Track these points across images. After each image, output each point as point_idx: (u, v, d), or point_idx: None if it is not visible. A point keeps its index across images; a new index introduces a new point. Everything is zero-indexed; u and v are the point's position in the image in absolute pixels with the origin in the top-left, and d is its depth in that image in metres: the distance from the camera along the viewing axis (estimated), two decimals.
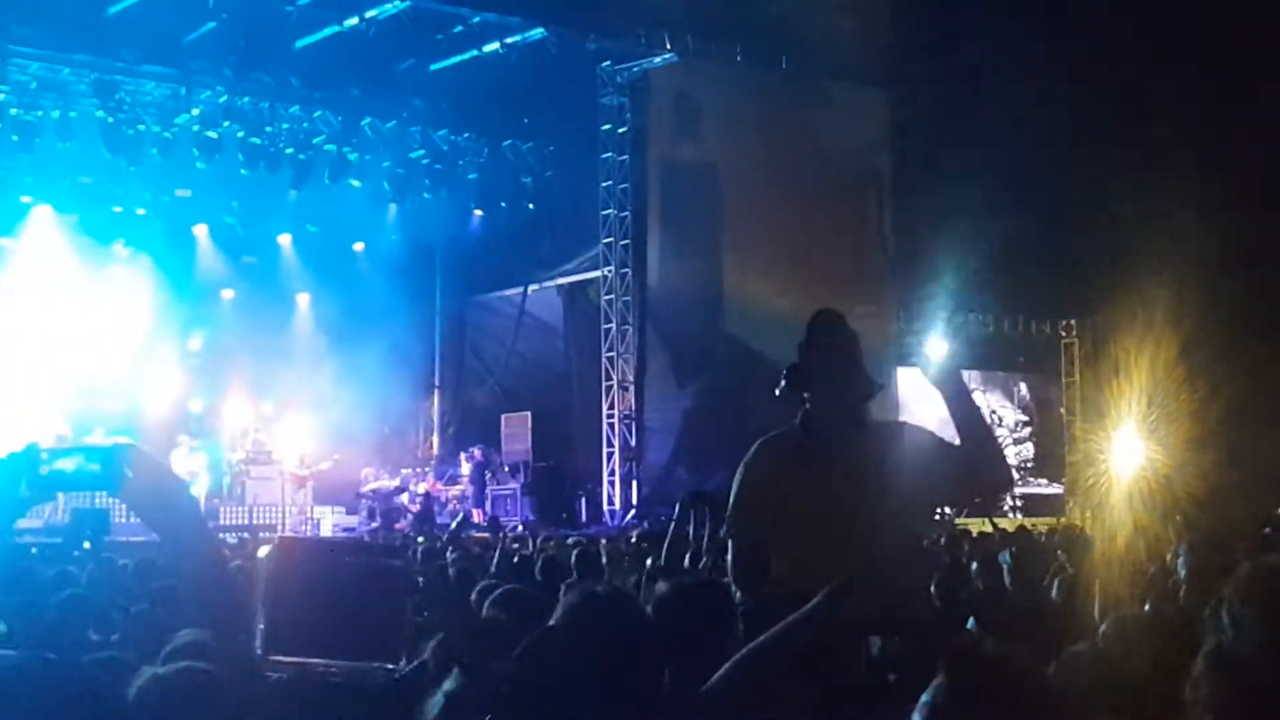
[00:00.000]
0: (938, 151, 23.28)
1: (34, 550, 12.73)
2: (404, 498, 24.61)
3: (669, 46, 22.70)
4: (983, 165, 22.80)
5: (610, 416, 24.23)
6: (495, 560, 10.28)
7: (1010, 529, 15.08)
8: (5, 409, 22.94)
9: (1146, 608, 5.05)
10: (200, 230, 25.90)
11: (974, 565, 9.00)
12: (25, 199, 23.90)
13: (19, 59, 21.13)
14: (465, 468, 25.13)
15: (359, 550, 2.56)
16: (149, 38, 21.49)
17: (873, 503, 4.70)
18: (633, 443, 24.07)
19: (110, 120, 21.82)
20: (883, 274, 24.55)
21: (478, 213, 25.65)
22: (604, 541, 13.82)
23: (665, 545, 8.92)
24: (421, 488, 24.77)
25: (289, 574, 2.50)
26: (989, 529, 14.09)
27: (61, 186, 23.89)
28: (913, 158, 23.65)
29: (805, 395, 4.94)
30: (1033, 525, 17.48)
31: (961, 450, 4.72)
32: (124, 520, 12.02)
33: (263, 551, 2.55)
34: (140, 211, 25.00)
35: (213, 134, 22.69)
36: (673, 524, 9.40)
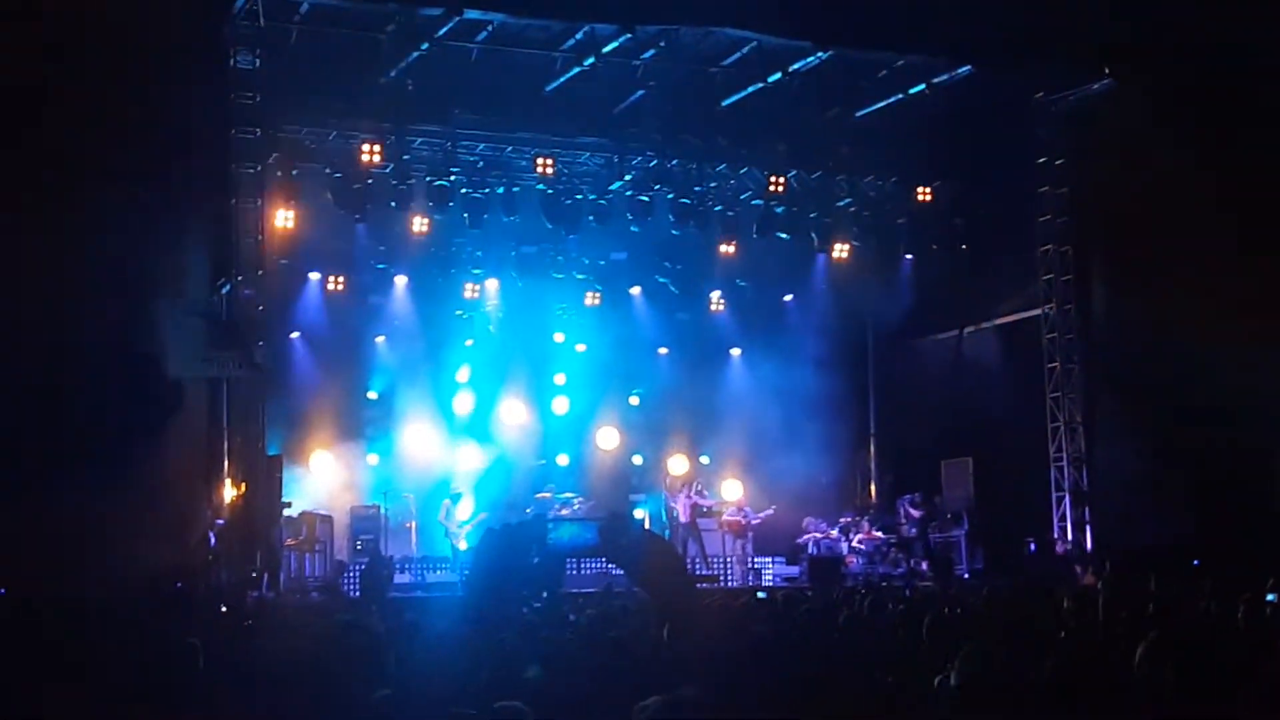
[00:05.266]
0: None
1: None
2: (844, 548, 24.37)
3: (1107, 73, 21.65)
4: None
5: (1058, 460, 23.22)
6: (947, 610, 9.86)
7: None
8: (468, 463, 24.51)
9: None
10: (635, 291, 26.77)
11: None
12: (475, 271, 25.46)
13: (467, 141, 22.48)
14: (906, 516, 24.64)
15: None
16: (583, 111, 22.43)
17: None
18: (1084, 487, 22.94)
19: (550, 192, 22.85)
20: None
21: (908, 256, 25.23)
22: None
23: (1100, 604, 8.43)
24: (860, 537, 24.46)
25: None
26: None
27: (508, 258, 25.29)
28: None
29: None
30: None
31: None
32: None
33: None
34: (580, 277, 26.12)
35: (644, 198, 23.37)
36: (1101, 582, 8.86)
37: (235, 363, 18.53)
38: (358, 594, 19.63)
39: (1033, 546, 23.04)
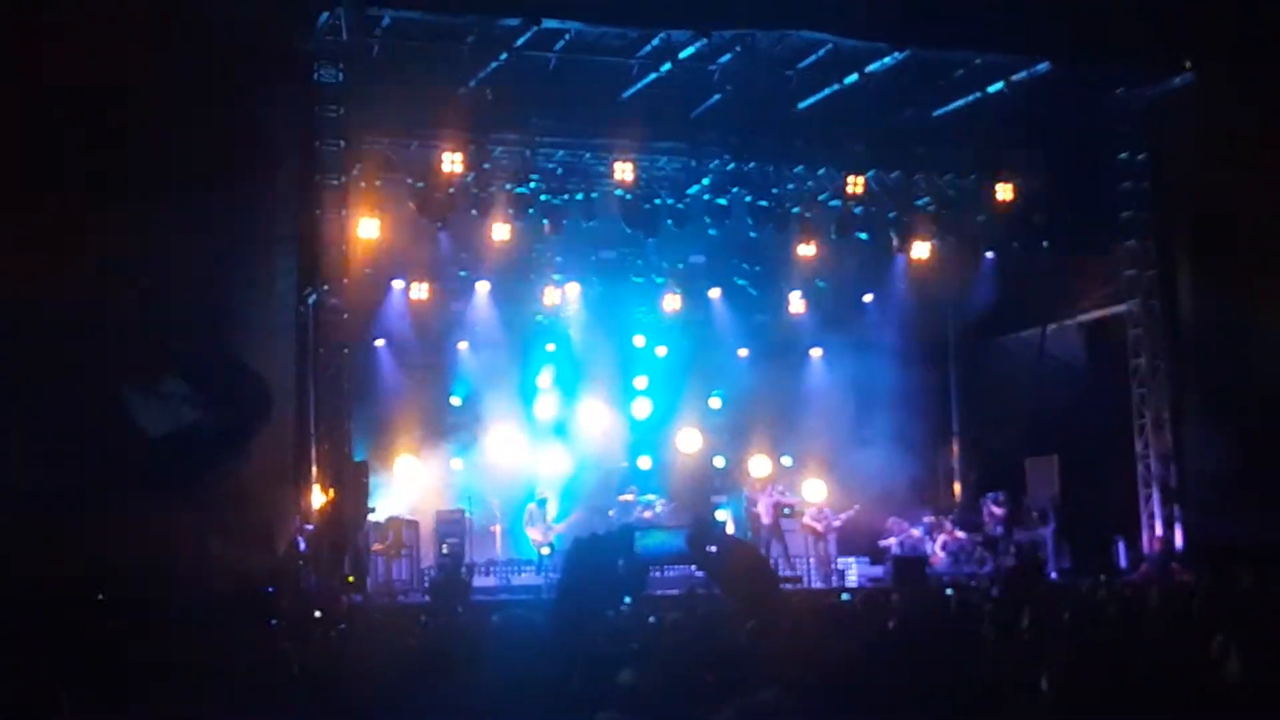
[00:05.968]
0: None
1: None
2: (928, 548, 24.24)
3: (1187, 67, 21.39)
4: None
5: (1145, 456, 22.97)
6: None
7: None
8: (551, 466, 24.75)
9: None
10: (714, 293, 26.84)
11: None
12: (555, 276, 25.69)
13: (546, 149, 22.67)
14: (990, 515, 24.45)
15: None
16: (660, 116, 22.52)
17: None
18: (1173, 483, 22.67)
19: (628, 197, 22.99)
20: None
21: (989, 254, 25.06)
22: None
23: (1198, 604, 8.32)
24: (943, 539, 24.31)
25: None
26: None
27: (587, 263, 25.47)
28: None
29: None
30: None
31: None
32: None
33: None
34: (659, 280, 26.25)
35: (722, 200, 23.43)
36: (1198, 581, 8.75)
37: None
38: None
39: (1121, 545, 22.82)
